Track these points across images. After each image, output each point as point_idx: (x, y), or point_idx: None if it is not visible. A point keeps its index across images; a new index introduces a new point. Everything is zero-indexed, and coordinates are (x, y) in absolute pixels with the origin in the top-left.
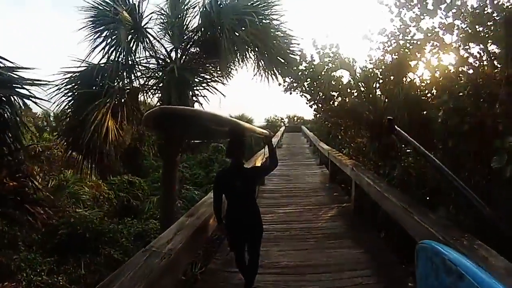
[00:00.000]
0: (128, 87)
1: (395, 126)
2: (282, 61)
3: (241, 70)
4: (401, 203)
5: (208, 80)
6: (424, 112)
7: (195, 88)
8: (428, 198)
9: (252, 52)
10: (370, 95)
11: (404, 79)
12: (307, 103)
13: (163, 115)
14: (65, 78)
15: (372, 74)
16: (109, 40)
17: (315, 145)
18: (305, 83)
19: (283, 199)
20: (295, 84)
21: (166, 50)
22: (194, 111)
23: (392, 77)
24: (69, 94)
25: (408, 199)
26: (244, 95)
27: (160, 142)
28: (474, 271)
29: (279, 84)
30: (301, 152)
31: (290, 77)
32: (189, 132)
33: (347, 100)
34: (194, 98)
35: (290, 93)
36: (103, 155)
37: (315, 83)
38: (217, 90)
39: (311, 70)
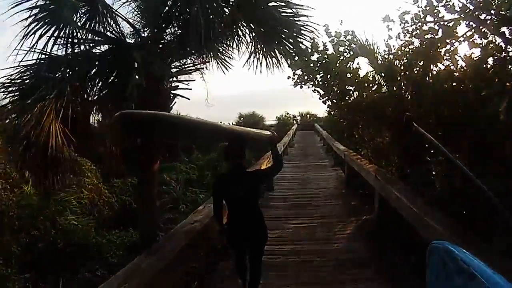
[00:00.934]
0: (74, 82)
1: (414, 123)
2: (288, 41)
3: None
4: (451, 234)
5: (185, 68)
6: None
7: (172, 79)
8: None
9: (243, 26)
10: (394, 88)
11: (435, 68)
12: (320, 99)
13: (123, 121)
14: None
15: (395, 63)
16: (48, 19)
17: (329, 144)
18: (318, 76)
19: (293, 210)
20: (306, 77)
21: (137, 32)
22: (153, 115)
23: (417, 67)
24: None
25: (458, 227)
26: (256, 92)
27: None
28: (486, 272)
29: (288, 78)
30: (314, 152)
31: (301, 70)
32: (160, 137)
33: (365, 95)
34: (172, 92)
35: (301, 87)
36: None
37: (328, 76)
38: (184, 86)
39: (324, 61)
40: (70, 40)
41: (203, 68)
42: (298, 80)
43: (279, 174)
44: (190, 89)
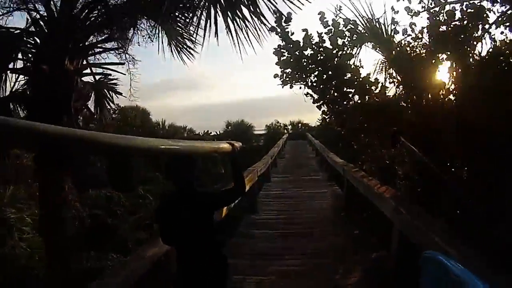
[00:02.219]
0: None
1: (401, 138)
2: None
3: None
4: None
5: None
6: None
7: (81, 60)
8: None
9: None
10: (412, 85)
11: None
12: (314, 103)
13: None
14: None
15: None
16: None
17: (322, 155)
18: (312, 75)
19: (280, 242)
20: (297, 75)
21: None
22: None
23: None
24: None
25: None
26: (247, 101)
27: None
28: (477, 285)
29: (275, 76)
30: (306, 164)
31: (290, 69)
32: None
33: (367, 98)
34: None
35: (291, 87)
36: None
37: (324, 75)
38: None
39: (319, 57)
40: None
41: (125, 46)
42: (287, 79)
43: (266, 191)
44: (110, 74)
